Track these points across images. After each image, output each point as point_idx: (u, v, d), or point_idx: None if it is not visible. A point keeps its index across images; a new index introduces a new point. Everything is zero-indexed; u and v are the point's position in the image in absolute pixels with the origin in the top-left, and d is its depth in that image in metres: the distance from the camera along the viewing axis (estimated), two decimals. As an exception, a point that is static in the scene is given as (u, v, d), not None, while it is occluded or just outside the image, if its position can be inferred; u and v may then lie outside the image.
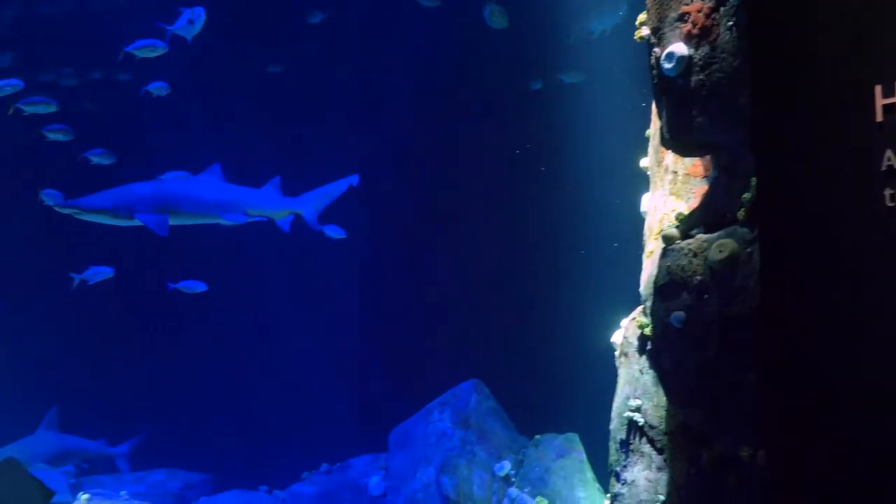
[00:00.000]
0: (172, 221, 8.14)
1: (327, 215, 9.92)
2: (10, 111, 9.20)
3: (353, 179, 9.05)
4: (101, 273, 9.34)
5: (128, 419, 10.93)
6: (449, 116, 11.73)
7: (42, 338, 11.95)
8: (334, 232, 9.99)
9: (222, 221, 8.44)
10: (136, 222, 8.04)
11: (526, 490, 9.26)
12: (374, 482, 10.16)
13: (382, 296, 12.24)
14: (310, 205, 8.97)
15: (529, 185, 11.26)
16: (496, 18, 9.21)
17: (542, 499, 9.06)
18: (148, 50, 8.84)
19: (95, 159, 9.38)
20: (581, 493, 9.06)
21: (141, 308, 11.91)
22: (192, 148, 10.31)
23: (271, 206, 8.80)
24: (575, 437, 9.54)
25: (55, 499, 9.34)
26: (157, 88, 9.41)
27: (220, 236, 9.94)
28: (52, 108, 9.38)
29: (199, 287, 9.79)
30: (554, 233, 11.01)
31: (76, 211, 7.98)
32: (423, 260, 12.10)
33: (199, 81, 10.38)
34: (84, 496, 9.43)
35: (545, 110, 11.06)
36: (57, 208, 7.90)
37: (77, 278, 9.23)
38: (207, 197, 8.39)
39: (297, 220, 9.01)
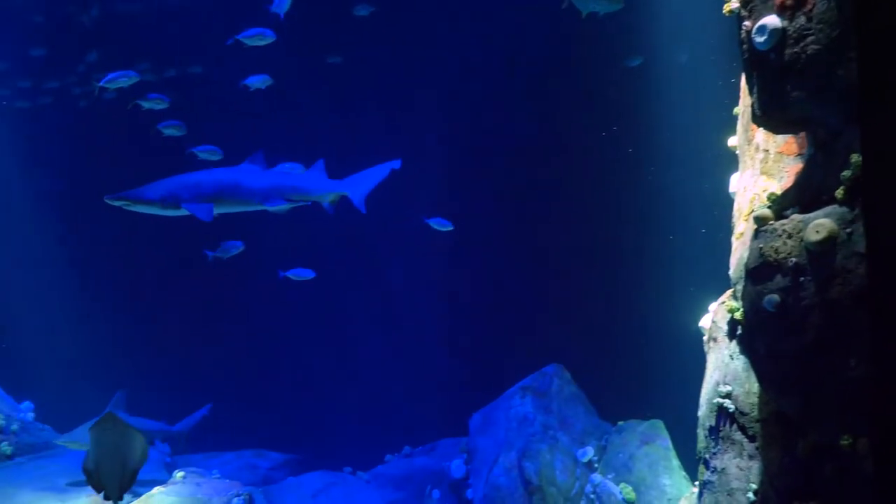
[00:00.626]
0: (218, 210, 8.22)
1: (431, 208, 9.96)
2: (130, 105, 9.49)
3: (396, 164, 8.96)
4: (233, 247, 9.52)
5: (216, 402, 11.24)
6: (534, 99, 11.56)
7: (127, 325, 12.37)
8: (440, 224, 10.03)
9: (269, 208, 8.48)
10: (183, 212, 8.12)
11: (609, 476, 9.14)
12: (456, 465, 10.21)
13: (467, 281, 12.23)
14: (356, 187, 8.82)
15: (617, 167, 11.03)
16: (605, 4, 8.66)
17: (625, 485, 8.93)
18: (257, 38, 9.00)
19: (203, 155, 9.53)
20: (666, 481, 8.90)
21: (230, 294, 12.21)
22: (265, 138, 10.44)
23: (318, 188, 8.72)
24: (660, 423, 9.36)
25: (151, 476, 9.76)
26: (258, 81, 9.50)
27: (304, 224, 10.06)
28: (165, 105, 9.58)
29: (307, 274, 9.94)
30: (641, 216, 10.77)
31: (126, 203, 8.06)
32: (508, 245, 12.01)
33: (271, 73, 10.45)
34: (179, 474, 9.77)
35: (634, 90, 10.75)
36: (107, 201, 7.96)
37: (211, 255, 9.43)
38: (253, 184, 8.37)
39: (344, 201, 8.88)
